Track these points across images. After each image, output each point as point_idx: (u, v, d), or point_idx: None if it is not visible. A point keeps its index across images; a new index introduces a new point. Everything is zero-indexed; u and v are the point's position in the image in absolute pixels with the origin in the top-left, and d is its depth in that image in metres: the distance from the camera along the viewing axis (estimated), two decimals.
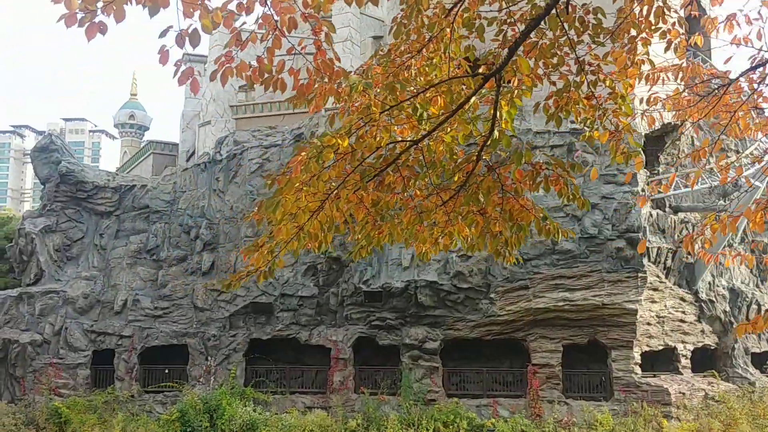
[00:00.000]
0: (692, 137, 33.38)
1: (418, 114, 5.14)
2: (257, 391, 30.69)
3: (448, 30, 5.53)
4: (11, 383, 31.78)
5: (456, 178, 5.70)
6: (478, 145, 5.78)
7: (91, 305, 32.66)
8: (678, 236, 31.81)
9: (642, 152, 28.36)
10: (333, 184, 5.47)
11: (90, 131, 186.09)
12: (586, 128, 6.09)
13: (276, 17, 4.74)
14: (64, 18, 3.90)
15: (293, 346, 32.21)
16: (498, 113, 5.25)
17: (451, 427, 28.17)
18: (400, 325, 30.40)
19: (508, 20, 5.68)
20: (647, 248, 29.58)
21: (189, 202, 33.45)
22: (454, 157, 5.62)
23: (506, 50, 5.39)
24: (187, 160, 38.34)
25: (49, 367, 31.59)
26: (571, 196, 5.92)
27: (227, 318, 31.91)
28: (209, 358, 31.97)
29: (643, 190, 28.66)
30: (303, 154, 5.24)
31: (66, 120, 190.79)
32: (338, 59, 5.28)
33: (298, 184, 5.26)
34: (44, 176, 34.35)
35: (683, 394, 29.81)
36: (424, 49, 5.62)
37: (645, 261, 29.07)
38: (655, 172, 31.54)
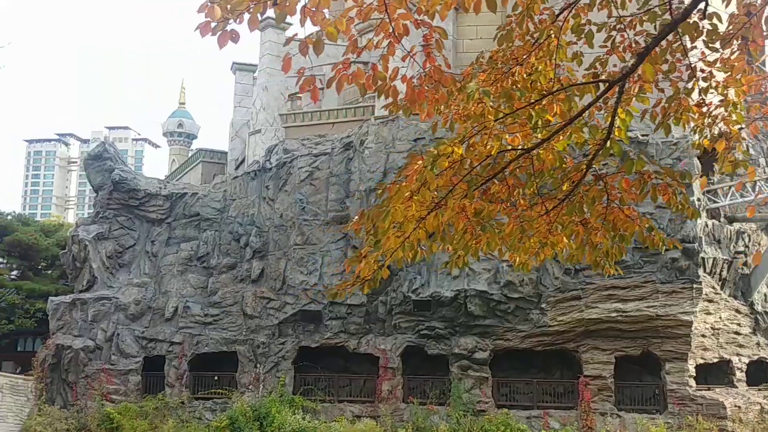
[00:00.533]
0: (747, 145, 32.73)
1: (533, 122, 5.06)
2: (306, 399, 30.71)
3: (554, 36, 5.43)
4: (64, 389, 32.26)
5: (565, 187, 5.59)
6: (585, 155, 5.68)
7: (143, 312, 33.05)
8: (733, 247, 31.17)
9: (698, 161, 27.93)
10: (439, 193, 5.40)
11: (133, 139, 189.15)
12: (693, 136, 5.93)
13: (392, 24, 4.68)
14: (200, 27, 3.90)
15: (341, 355, 32.19)
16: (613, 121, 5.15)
17: None
18: (449, 334, 30.21)
19: (617, 26, 5.57)
20: (702, 259, 29.02)
21: (239, 209, 33.70)
22: (564, 166, 5.52)
23: (629, 57, 5.27)
24: (236, 168, 38.67)
25: (101, 373, 32.00)
26: (679, 206, 5.77)
27: (276, 326, 32.02)
28: (258, 365, 32.10)
29: (699, 200, 28.14)
30: (419, 162, 5.17)
31: (110, 128, 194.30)
32: (449, 66, 5.21)
33: (408, 193, 5.20)
34: (97, 184, 34.92)
35: (739, 407, 29.16)
36: (530, 56, 5.53)
37: (700, 272, 28.53)
38: (711, 181, 30.97)
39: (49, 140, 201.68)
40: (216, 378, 32.41)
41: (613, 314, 28.47)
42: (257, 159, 34.36)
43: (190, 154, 47.90)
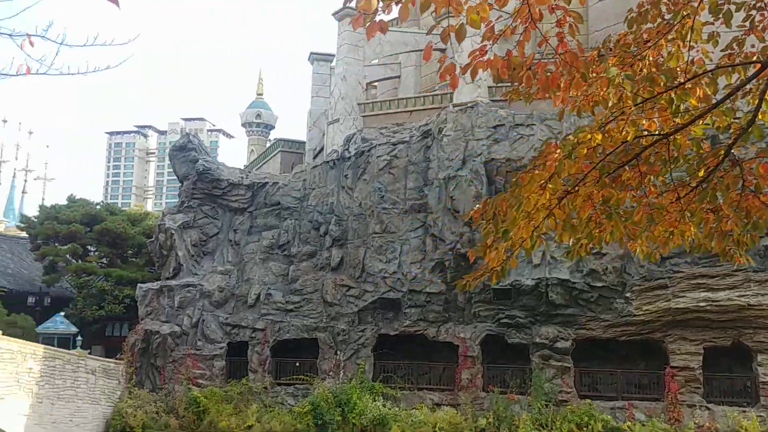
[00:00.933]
0: None
1: (674, 106, 4.91)
2: (386, 387, 30.92)
3: (690, 16, 5.25)
4: (152, 372, 33.30)
5: (700, 173, 5.42)
6: (714, 139, 5.48)
7: (226, 299, 33.80)
8: None
9: None
10: (569, 181, 5.30)
11: (208, 130, 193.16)
12: None
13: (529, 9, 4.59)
14: (352, 20, 3.92)
15: (420, 342, 32.23)
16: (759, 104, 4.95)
17: (585, 429, 27.51)
18: (530, 323, 29.90)
19: (757, 4, 5.35)
20: None
21: (318, 198, 34.05)
22: (701, 151, 5.34)
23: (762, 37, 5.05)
24: (314, 158, 39.06)
25: (188, 358, 32.90)
26: None
27: (356, 313, 32.28)
28: (338, 352, 32.45)
29: None
30: (558, 151, 5.08)
31: (186, 120, 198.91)
32: (582, 51, 5.10)
33: (541, 182, 5.12)
34: (182, 174, 35.81)
35: None
36: (662, 39, 5.36)
37: None
38: None
39: (129, 132, 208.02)
40: (297, 364, 32.95)
41: (702, 304, 27.65)
42: (336, 148, 34.61)
43: (268, 144, 48.63)
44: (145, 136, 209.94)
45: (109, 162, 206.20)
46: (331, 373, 32.31)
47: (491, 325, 30.51)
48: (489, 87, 33.14)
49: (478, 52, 5.08)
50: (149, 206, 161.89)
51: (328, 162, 34.35)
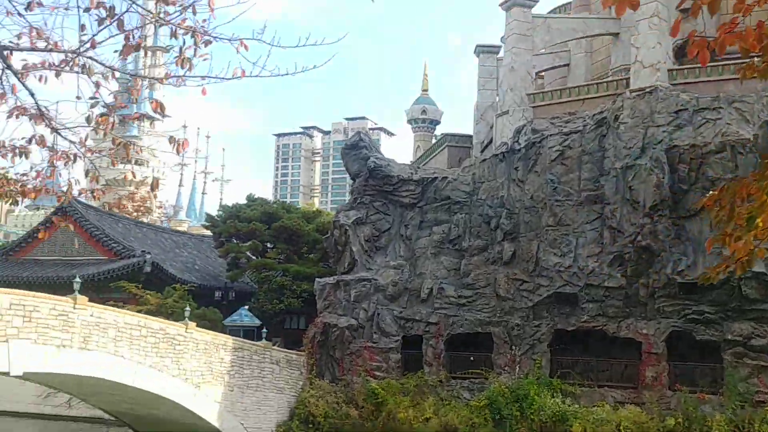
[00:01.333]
0: None
1: None
2: (564, 383, 30.20)
3: None
4: (331, 364, 34.41)
5: None
6: None
7: (400, 293, 34.32)
8: None
9: None
10: None
11: (370, 129, 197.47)
12: None
13: None
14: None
15: (598, 338, 31.18)
16: None
17: None
18: (721, 319, 28.09)
19: None
20: None
21: (488, 192, 33.78)
22: None
23: None
24: (482, 151, 38.82)
25: (364, 350, 33.73)
26: None
27: (530, 308, 31.75)
28: (513, 347, 32.08)
29: None
30: None
31: (348, 119, 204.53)
32: None
33: None
34: (354, 171, 36.74)
35: None
36: None
37: None
38: None
39: (295, 133, 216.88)
40: (472, 358, 32.88)
41: None
42: (505, 140, 34.17)
43: (434, 140, 48.90)
44: (311, 136, 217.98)
45: (277, 163, 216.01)
46: (506, 368, 31.99)
47: (677, 320, 28.97)
48: (669, 70, 31.49)
49: (727, 26, 4.70)
50: (315, 204, 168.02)
51: (497, 155, 33.98)
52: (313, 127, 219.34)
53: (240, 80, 7.63)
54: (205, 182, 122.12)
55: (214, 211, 53.01)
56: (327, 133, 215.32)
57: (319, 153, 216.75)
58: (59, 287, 36.47)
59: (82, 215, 45.94)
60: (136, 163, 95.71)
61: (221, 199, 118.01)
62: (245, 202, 50.43)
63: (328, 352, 34.42)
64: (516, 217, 32.79)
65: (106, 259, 44.50)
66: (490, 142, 37.84)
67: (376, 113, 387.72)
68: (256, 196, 51.40)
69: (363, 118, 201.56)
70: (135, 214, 74.22)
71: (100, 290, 39.66)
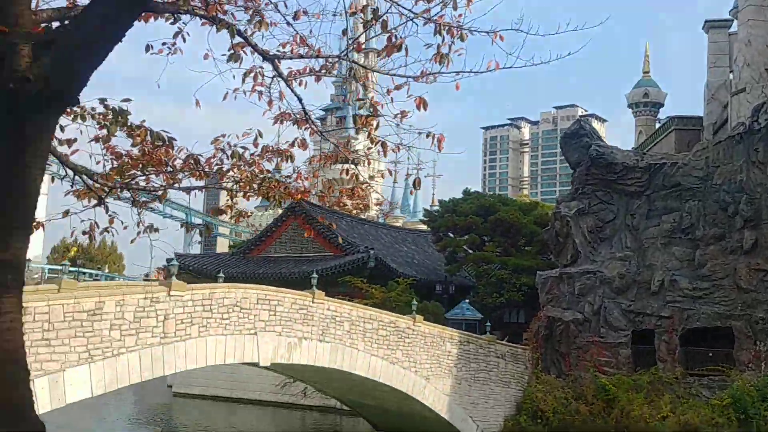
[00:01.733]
0: None
1: None
2: None
3: None
4: (557, 359, 33.75)
5: None
6: None
7: (627, 285, 32.93)
8: None
9: None
10: None
11: (580, 116, 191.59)
12: None
13: None
14: None
15: None
16: None
17: None
18: None
19: None
20: None
21: (724, 176, 31.46)
22: None
23: None
24: (714, 133, 36.19)
25: (591, 345, 32.74)
26: None
27: None
28: (758, 342, 29.68)
29: None
30: None
31: (557, 108, 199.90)
32: None
33: None
34: (574, 161, 35.74)
35: None
36: None
37: None
38: None
39: (502, 125, 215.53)
40: (710, 354, 30.86)
41: None
42: (742, 120, 31.61)
43: (658, 124, 46.31)
44: (518, 128, 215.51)
45: (485, 155, 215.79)
46: (750, 365, 29.73)
47: None
48: None
49: None
50: (526, 196, 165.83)
51: (733, 136, 31.54)
52: (521, 118, 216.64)
53: (493, 72, 7.61)
54: (417, 178, 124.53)
55: (426, 207, 53.93)
56: (535, 123, 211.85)
57: (527, 144, 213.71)
58: (291, 283, 38.86)
59: (309, 214, 48.67)
60: (352, 162, 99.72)
61: (433, 194, 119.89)
62: (461, 196, 50.81)
63: (553, 346, 33.79)
64: (757, 203, 30.33)
65: (333, 255, 46.75)
66: (724, 123, 35.17)
67: (587, 100, 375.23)
68: (471, 190, 51.59)
69: (573, 105, 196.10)
70: (354, 211, 77.39)
71: (328, 285, 41.68)
